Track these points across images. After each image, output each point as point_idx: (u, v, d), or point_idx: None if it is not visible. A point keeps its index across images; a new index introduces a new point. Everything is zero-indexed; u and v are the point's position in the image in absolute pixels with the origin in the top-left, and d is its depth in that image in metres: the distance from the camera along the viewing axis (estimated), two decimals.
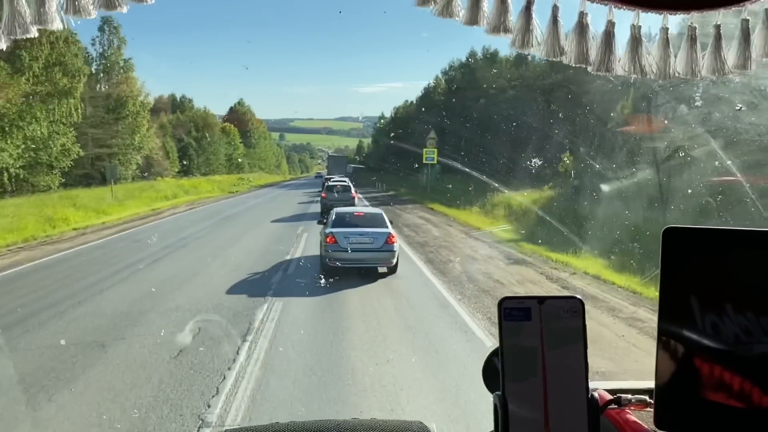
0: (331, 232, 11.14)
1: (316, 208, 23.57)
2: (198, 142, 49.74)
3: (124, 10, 0.79)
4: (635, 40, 0.87)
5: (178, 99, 57.19)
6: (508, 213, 19.99)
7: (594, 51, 0.87)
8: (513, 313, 0.92)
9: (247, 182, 51.08)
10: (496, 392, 0.93)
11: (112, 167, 29.60)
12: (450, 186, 26.94)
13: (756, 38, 0.89)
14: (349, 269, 10.82)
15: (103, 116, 33.22)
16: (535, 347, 0.91)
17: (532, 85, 29.46)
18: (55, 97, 26.80)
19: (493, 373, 1.05)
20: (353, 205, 20.92)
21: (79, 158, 29.13)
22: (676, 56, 0.90)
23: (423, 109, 44.11)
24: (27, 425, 4.94)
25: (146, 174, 36.46)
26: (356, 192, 24.99)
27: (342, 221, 11.77)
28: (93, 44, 34.58)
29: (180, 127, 48.63)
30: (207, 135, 51.40)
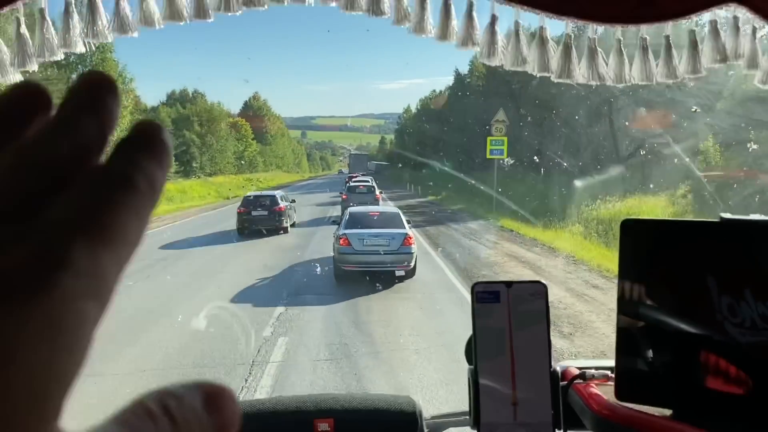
0: (345, 234, 10.61)
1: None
2: (202, 139, 45.53)
3: (136, 34, 0.91)
4: (591, 50, 0.97)
5: (190, 94, 52.24)
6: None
7: (554, 61, 0.97)
8: (484, 296, 1.03)
9: (255, 183, 45.92)
10: (470, 366, 1.04)
11: None
12: (510, 191, 19.26)
13: (704, 47, 0.97)
14: (363, 273, 10.27)
15: None
16: (503, 327, 1.02)
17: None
18: None
19: (471, 351, 1.16)
20: None
21: None
22: (631, 64, 0.99)
23: (460, 94, 37.01)
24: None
25: None
26: (381, 193, 22.89)
27: (356, 222, 11.20)
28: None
29: (182, 123, 44.33)
30: (212, 131, 46.93)
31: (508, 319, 1.02)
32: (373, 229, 10.77)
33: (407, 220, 11.72)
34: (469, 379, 1.03)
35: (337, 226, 11.82)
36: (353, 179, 27.33)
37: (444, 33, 0.94)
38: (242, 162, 53.55)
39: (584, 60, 0.98)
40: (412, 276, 10.57)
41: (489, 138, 21.22)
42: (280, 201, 16.58)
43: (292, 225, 17.28)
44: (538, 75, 0.98)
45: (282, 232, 16.17)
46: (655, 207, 13.30)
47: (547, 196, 16.90)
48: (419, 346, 6.83)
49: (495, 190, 19.09)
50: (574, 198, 15.36)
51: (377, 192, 22.04)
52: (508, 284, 1.03)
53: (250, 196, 16.92)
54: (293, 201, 18.26)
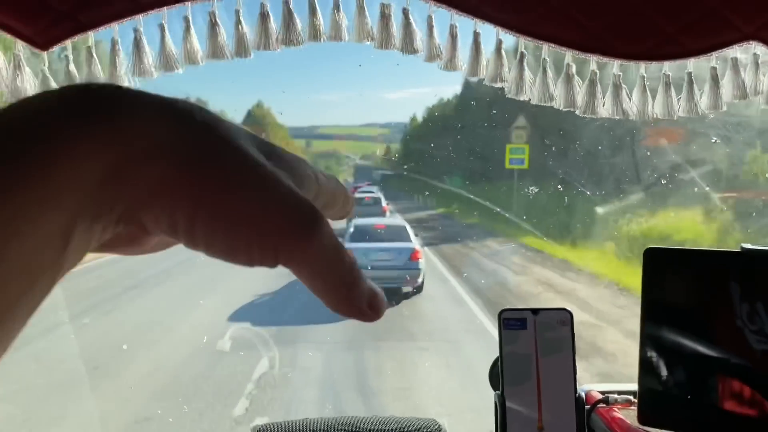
0: (348, 248, 10.25)
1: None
2: None
3: (181, 70, 0.95)
4: (616, 87, 1.00)
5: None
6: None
7: (580, 96, 1.00)
8: (510, 322, 1.06)
9: None
10: (497, 392, 1.06)
11: None
12: (530, 205, 17.71)
13: (725, 82, 1.01)
14: None
15: None
16: (529, 353, 1.05)
17: None
18: None
19: (496, 375, 1.19)
20: None
21: None
22: (654, 99, 1.02)
23: (471, 102, 37.71)
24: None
25: None
26: (388, 205, 21.85)
27: (361, 235, 10.76)
28: None
29: None
30: None
31: (534, 346, 1.05)
32: (378, 243, 10.33)
33: (415, 234, 11.23)
34: (495, 403, 1.06)
35: (340, 240, 11.33)
36: (359, 189, 26.62)
37: (474, 70, 0.98)
38: None
39: (609, 96, 1.01)
40: (419, 292, 9.83)
41: (508, 146, 18.68)
42: None
43: None
44: (564, 110, 1.01)
45: None
46: (692, 222, 11.67)
47: (570, 208, 14.58)
48: None
49: (514, 203, 17.23)
50: (599, 212, 13.45)
51: (384, 204, 21.17)
52: (535, 311, 1.06)
53: None
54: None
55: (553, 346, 1.05)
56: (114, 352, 6.73)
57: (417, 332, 7.38)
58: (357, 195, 22.77)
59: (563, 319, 1.06)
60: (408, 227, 11.30)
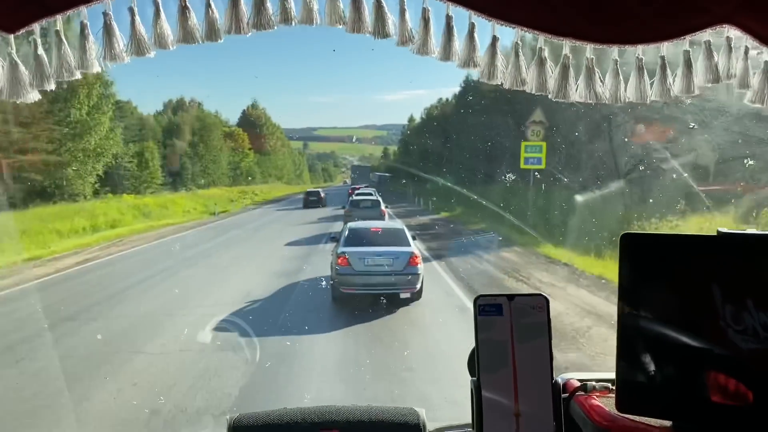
0: (344, 252, 9.47)
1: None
2: (193, 149, 42.59)
3: (152, 54, 0.95)
4: (589, 70, 1.00)
5: (187, 103, 48.31)
6: None
7: (552, 81, 1.00)
8: (486, 308, 1.05)
9: (250, 196, 42.63)
10: (473, 378, 1.06)
11: None
12: (543, 208, 16.10)
13: (698, 66, 1.01)
14: (364, 296, 9.11)
15: (44, 110, 22.60)
16: (505, 339, 1.04)
17: None
18: None
19: (474, 363, 1.18)
20: None
21: None
22: (626, 83, 1.02)
23: (471, 99, 33.10)
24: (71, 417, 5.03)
25: (107, 188, 27.95)
26: (386, 208, 21.10)
27: (357, 238, 10.08)
28: None
29: (172, 132, 41.53)
30: (204, 140, 43.43)
31: (510, 332, 1.04)
32: (375, 247, 9.69)
33: (412, 236, 10.74)
34: (472, 390, 1.05)
35: (335, 243, 10.75)
36: (356, 192, 26.14)
37: (447, 54, 0.97)
38: (238, 173, 50.29)
39: (582, 80, 1.01)
40: (418, 299, 9.36)
41: (524, 143, 16.79)
42: None
43: None
44: (535, 94, 1.01)
45: None
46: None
47: (591, 211, 13.19)
48: None
49: (530, 207, 15.55)
50: (618, 217, 12.61)
51: (382, 206, 20.48)
52: (510, 297, 1.05)
53: None
54: None
55: (529, 332, 1.04)
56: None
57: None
58: (354, 197, 22.13)
59: (539, 304, 1.05)
60: (406, 230, 10.91)
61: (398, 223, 12.66)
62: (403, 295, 9.33)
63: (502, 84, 1.00)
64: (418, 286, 9.33)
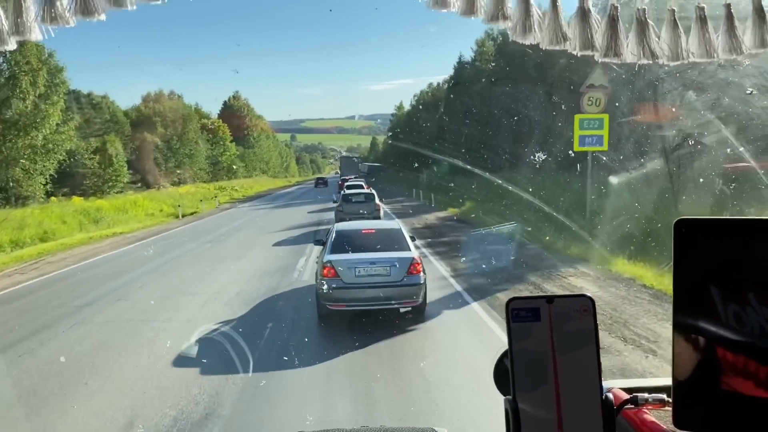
0: (330, 261, 7.83)
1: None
2: (166, 143, 39.66)
3: (103, 17, 0.76)
4: (641, 23, 0.83)
5: (166, 95, 45.03)
6: None
7: (599, 36, 0.82)
8: (521, 314, 0.88)
9: (229, 192, 39.16)
10: (507, 397, 0.89)
11: None
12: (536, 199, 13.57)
13: None
14: (356, 312, 7.77)
15: None
16: (545, 350, 0.87)
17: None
18: None
19: (504, 374, 1.02)
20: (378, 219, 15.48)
21: None
22: (687, 37, 0.84)
23: (467, 82, 31.28)
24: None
25: (65, 189, 25.47)
26: (381, 202, 18.93)
27: (345, 243, 8.39)
28: None
29: (142, 125, 38.08)
30: (178, 133, 40.06)
31: (550, 341, 0.88)
32: (368, 254, 8.08)
33: (411, 236, 9.19)
34: (506, 410, 0.89)
35: (321, 249, 8.98)
36: (347, 184, 24.87)
37: (471, 7, 0.80)
38: (218, 168, 47.71)
39: (633, 35, 0.83)
40: (421, 313, 8.02)
41: (577, 117, 12.76)
42: None
43: None
44: (579, 54, 0.83)
45: None
46: None
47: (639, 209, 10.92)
48: None
49: (589, 204, 12.40)
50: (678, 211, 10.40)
51: (377, 201, 18.35)
52: (549, 299, 0.89)
53: None
54: None
55: (573, 340, 0.88)
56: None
57: None
58: (346, 192, 20.21)
59: (583, 306, 0.89)
60: (404, 230, 9.18)
61: (394, 222, 11.13)
62: (403, 310, 7.98)
63: (538, 43, 0.82)
64: (420, 299, 7.89)
